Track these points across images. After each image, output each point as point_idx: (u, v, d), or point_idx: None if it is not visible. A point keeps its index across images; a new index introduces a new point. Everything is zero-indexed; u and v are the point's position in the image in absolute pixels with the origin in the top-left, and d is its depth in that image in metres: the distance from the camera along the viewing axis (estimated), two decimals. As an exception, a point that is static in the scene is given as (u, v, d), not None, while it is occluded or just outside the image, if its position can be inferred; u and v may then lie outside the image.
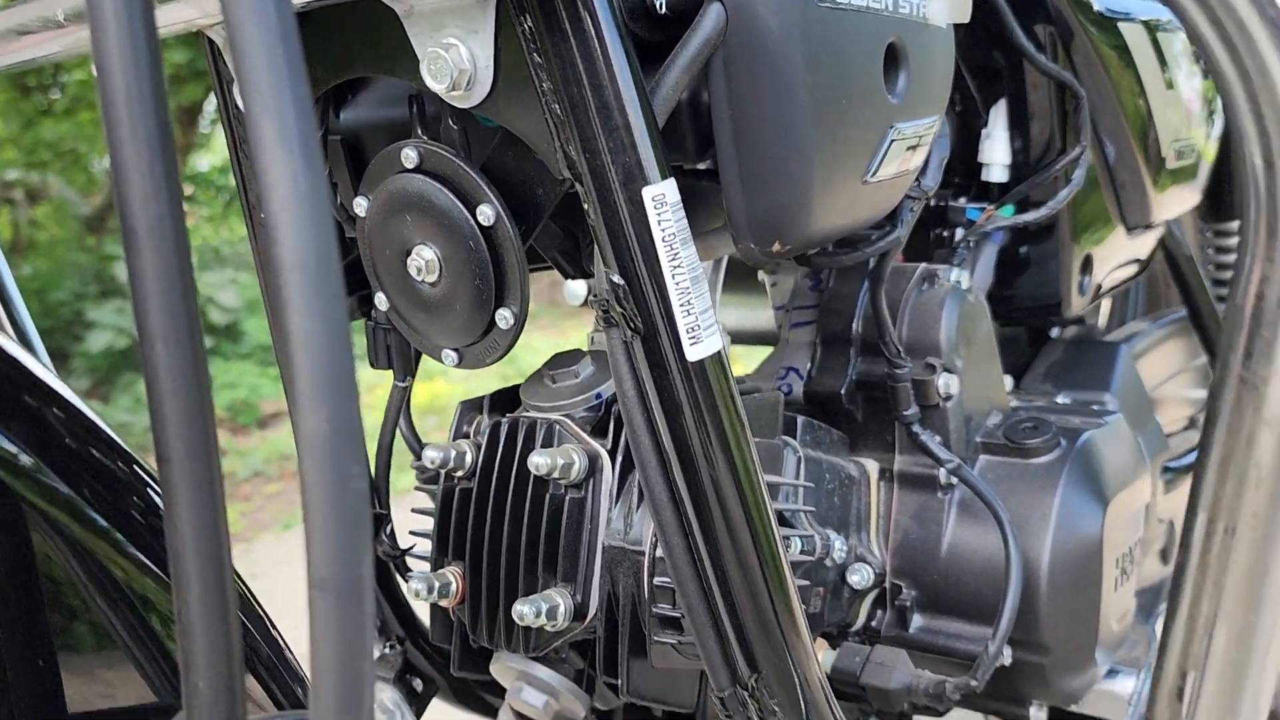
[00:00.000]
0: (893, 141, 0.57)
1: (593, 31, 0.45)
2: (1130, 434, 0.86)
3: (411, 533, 0.69)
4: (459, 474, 0.63)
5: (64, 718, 0.51)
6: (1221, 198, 1.36)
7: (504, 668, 0.63)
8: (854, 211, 0.58)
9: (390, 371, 0.67)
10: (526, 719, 0.71)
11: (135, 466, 0.59)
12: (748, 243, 0.53)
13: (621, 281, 0.47)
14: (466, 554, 0.62)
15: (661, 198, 0.46)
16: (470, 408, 0.67)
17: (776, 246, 0.53)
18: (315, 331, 0.29)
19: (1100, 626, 0.76)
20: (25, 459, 0.54)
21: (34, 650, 0.51)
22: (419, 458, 0.69)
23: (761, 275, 0.84)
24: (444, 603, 0.63)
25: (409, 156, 0.54)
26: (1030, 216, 0.85)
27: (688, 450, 0.49)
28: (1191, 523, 0.53)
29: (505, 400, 0.67)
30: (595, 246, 0.49)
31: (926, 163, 0.67)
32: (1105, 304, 1.50)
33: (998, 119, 0.88)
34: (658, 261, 0.46)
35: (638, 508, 0.59)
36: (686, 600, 0.53)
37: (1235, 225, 1.38)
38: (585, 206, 0.47)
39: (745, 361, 1.20)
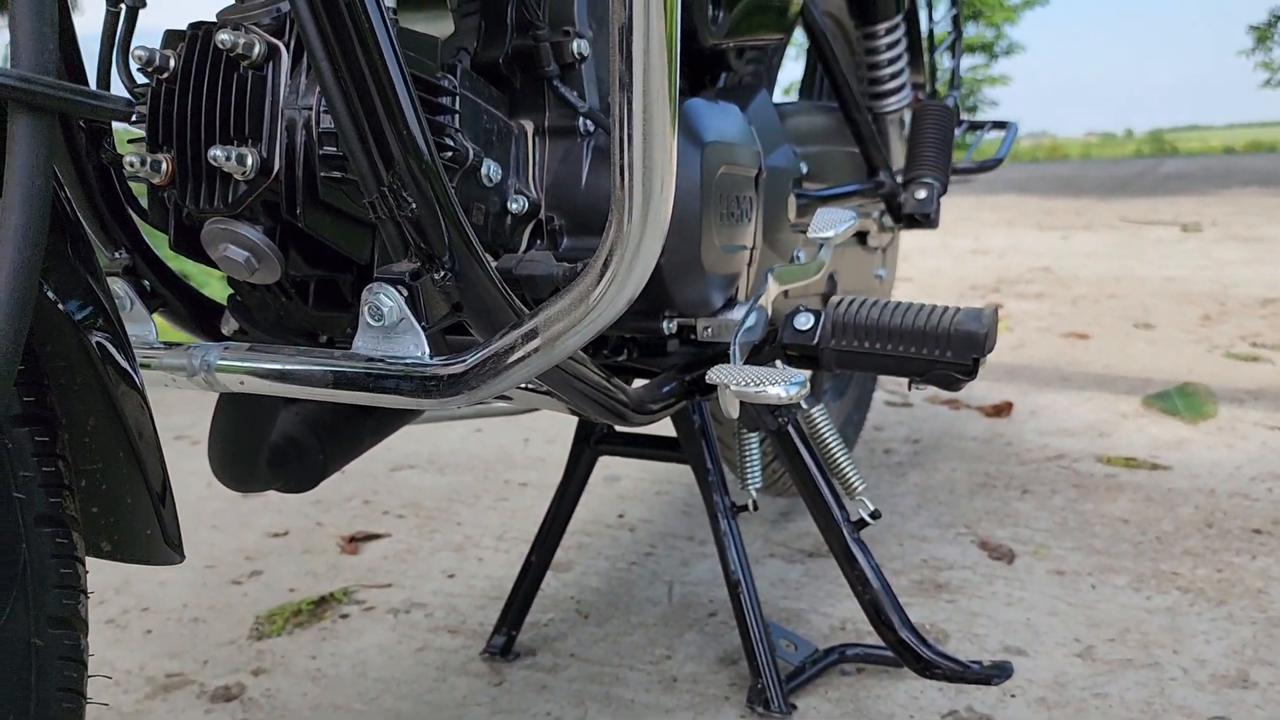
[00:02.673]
0: None
1: None
2: (743, 120, 1.08)
3: (129, 141, 0.82)
4: (164, 76, 0.78)
5: None
6: (868, 2, 1.62)
7: (212, 231, 0.78)
8: None
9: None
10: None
11: None
12: None
13: None
14: (174, 137, 0.77)
15: None
16: (174, 34, 0.81)
17: None
18: None
19: (703, 242, 0.98)
20: None
21: None
22: (133, 86, 0.83)
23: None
24: (155, 180, 0.77)
25: None
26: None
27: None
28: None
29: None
30: None
31: None
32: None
33: None
34: None
35: (306, 86, 0.75)
36: (338, 122, 0.69)
37: (882, 28, 1.65)
38: None
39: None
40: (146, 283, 0.87)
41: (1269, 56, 17.62)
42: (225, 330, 0.92)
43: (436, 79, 0.83)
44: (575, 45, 0.94)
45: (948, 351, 1.01)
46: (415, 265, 0.73)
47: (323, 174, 0.74)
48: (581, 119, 0.94)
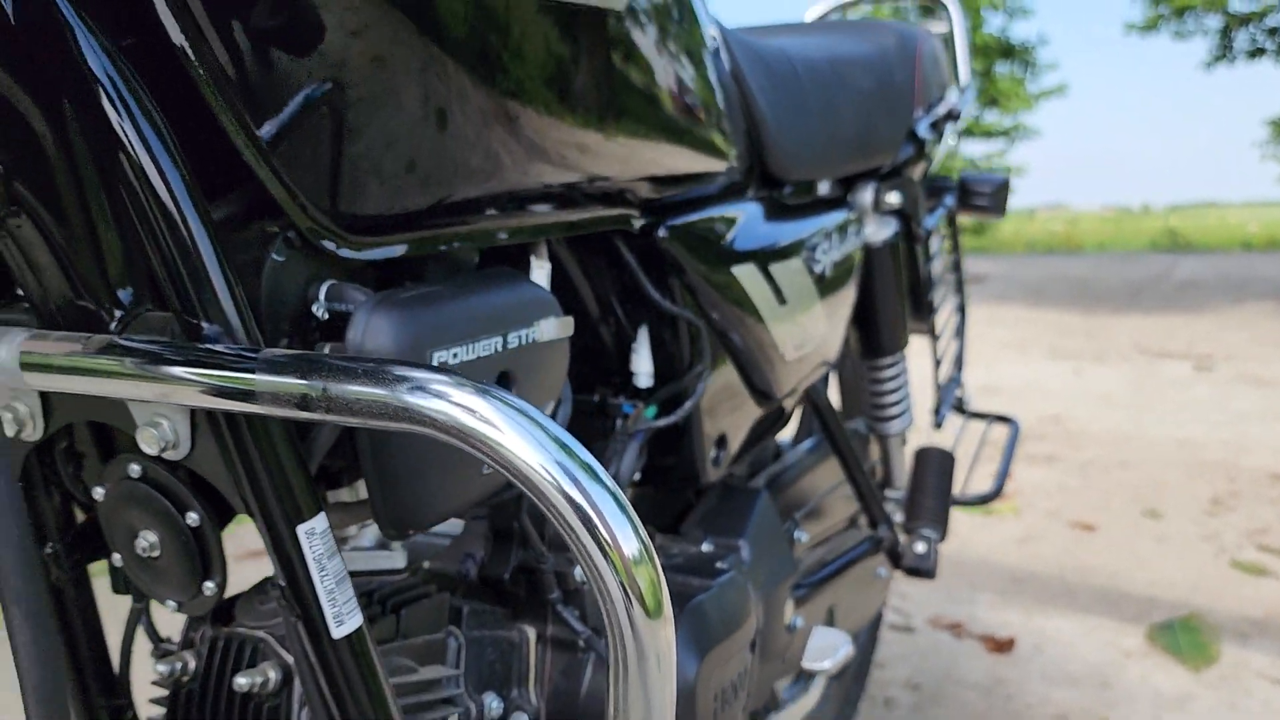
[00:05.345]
0: (503, 442, 0.79)
1: (260, 421, 0.65)
2: (741, 587, 1.12)
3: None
4: (185, 679, 0.82)
5: None
6: (871, 340, 1.67)
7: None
8: (474, 494, 0.79)
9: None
10: None
11: None
12: (389, 531, 0.74)
13: (284, 584, 0.67)
14: (190, 746, 0.81)
15: (312, 529, 0.67)
16: (197, 619, 0.85)
17: (410, 533, 0.74)
18: None
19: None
20: None
21: None
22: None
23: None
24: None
25: (134, 470, 0.72)
26: (663, 422, 1.09)
27: (338, 691, 0.70)
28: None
29: (225, 613, 0.86)
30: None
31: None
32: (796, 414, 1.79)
33: (642, 338, 1.12)
34: (310, 574, 0.67)
35: (321, 708, 0.79)
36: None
37: (886, 361, 1.69)
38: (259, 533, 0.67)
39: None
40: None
41: (1283, 151, 17.72)
42: None
43: (444, 644, 0.87)
44: (578, 571, 0.98)
45: None
46: None
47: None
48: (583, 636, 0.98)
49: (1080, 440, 4.68)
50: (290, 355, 0.57)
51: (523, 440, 0.55)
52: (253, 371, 0.57)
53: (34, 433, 0.73)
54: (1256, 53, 15.29)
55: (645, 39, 0.93)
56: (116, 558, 0.77)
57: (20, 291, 0.74)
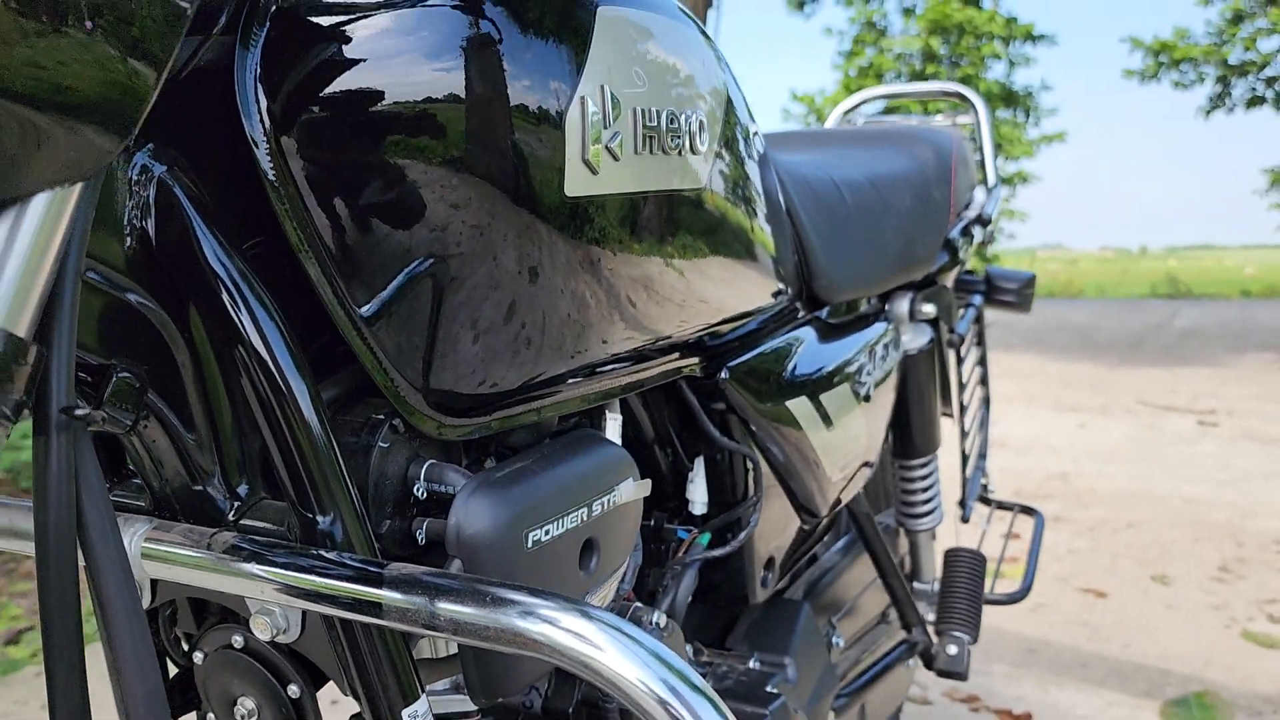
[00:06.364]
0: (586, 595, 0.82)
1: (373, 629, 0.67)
2: (791, 712, 1.14)
3: None
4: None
5: None
6: (905, 442, 1.70)
7: None
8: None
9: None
10: None
11: None
12: (480, 699, 0.77)
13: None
14: None
15: (415, 712, 0.69)
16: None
17: (500, 700, 0.77)
18: None
19: None
20: None
21: None
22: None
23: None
24: None
25: (237, 640, 0.75)
26: (718, 552, 1.12)
27: None
28: None
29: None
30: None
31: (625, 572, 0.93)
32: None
33: (699, 469, 1.15)
34: (413, 756, 0.69)
35: None
36: None
37: (917, 461, 1.72)
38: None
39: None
40: None
41: (1282, 199, 17.84)
42: None
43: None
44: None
45: None
46: None
47: None
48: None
49: (1087, 499, 4.71)
50: (416, 574, 0.60)
51: (626, 660, 0.59)
52: (380, 586, 0.60)
53: (142, 603, 0.75)
54: (1255, 101, 15.43)
55: (719, 201, 0.96)
56: (210, 716, 0.80)
57: (132, 469, 0.77)
